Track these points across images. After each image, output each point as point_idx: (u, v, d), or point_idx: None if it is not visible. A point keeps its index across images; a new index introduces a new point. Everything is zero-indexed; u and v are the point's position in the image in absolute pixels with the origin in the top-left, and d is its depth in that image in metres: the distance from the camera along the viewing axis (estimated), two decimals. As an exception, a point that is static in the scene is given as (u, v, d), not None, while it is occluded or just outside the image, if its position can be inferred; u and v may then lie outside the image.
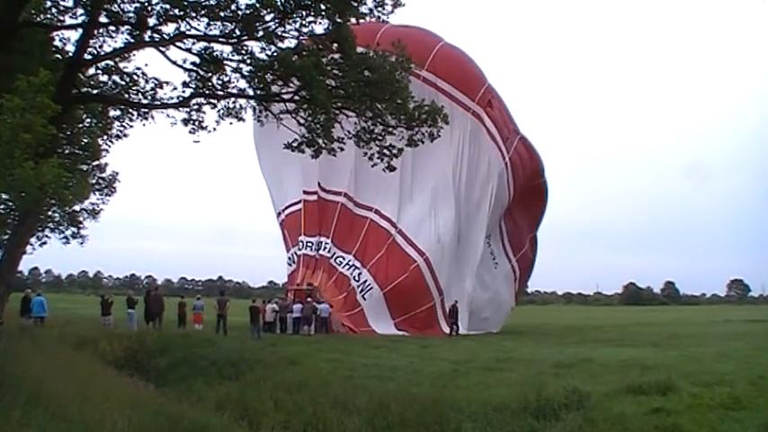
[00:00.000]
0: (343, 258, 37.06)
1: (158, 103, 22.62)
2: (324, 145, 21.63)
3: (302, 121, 21.41)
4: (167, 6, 19.64)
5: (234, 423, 11.89)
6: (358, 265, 36.48)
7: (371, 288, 35.38)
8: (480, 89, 37.39)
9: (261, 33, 20.03)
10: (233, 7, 19.47)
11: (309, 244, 38.77)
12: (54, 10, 21.34)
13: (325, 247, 37.78)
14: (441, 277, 35.39)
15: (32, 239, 27.70)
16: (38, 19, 20.86)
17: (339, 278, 36.36)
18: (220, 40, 20.63)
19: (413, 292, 34.97)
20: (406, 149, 21.97)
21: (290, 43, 20.32)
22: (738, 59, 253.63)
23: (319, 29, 19.92)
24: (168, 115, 22.56)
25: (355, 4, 19.33)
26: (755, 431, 10.62)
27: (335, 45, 19.81)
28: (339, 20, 19.23)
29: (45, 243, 32.34)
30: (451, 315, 33.98)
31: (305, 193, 40.16)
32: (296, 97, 20.94)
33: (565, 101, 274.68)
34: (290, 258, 40.40)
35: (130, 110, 24.48)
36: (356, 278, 36.10)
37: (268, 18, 19.73)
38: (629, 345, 26.89)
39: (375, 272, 35.83)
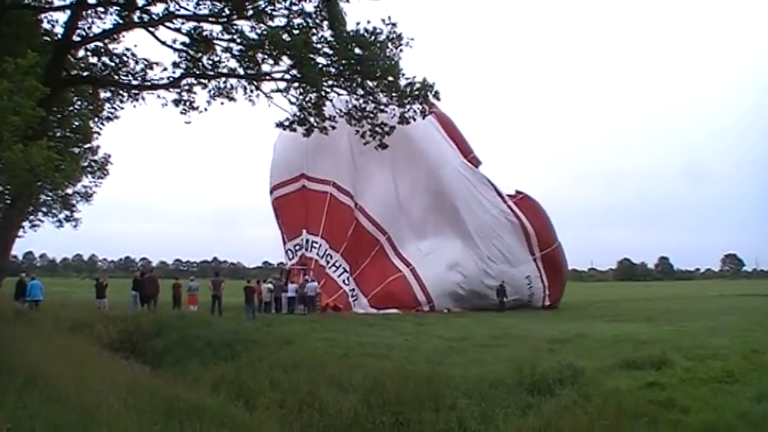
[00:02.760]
0: (331, 257, 36.85)
1: (149, 83, 22.56)
2: (315, 123, 21.58)
3: (293, 99, 21.34)
4: (156, -14, 19.55)
5: (229, 403, 11.88)
6: (347, 268, 36.54)
7: (358, 297, 35.69)
8: (470, 153, 38.83)
9: (250, 12, 19.91)
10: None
11: (298, 246, 38.31)
12: (42, -9, 21.19)
13: (314, 246, 37.29)
14: (430, 287, 35.20)
15: (24, 223, 27.62)
16: (25, 1, 20.66)
17: (328, 282, 36.00)
18: (210, 19, 20.52)
19: (398, 298, 34.93)
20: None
21: (279, 22, 20.20)
22: (735, 38, 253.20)
23: (309, 7, 19.81)
24: (159, 96, 22.54)
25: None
26: (749, 404, 10.67)
27: (326, 23, 19.70)
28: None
29: (37, 226, 32.28)
30: (499, 294, 34.79)
31: (277, 186, 40.10)
32: (286, 76, 20.88)
33: (561, 79, 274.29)
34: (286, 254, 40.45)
35: (121, 91, 24.41)
36: (345, 282, 36.14)
37: (258, -4, 19.63)
38: (624, 320, 27.02)
39: (361, 281, 36.08)
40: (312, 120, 21.57)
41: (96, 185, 32.50)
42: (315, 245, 37.26)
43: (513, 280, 35.92)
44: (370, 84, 20.70)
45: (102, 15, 21.56)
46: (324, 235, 37.19)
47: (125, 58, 22.81)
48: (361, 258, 36.59)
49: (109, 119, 26.66)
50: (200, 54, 21.42)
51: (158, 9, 20.56)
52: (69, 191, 31.05)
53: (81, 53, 23.20)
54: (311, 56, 19.81)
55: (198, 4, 20.20)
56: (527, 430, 10.48)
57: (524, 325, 24.71)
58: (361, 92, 21.01)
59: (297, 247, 38.43)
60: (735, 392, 11.43)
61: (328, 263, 36.71)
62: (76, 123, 26.91)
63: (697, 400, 11.10)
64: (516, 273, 36.28)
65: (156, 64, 22.53)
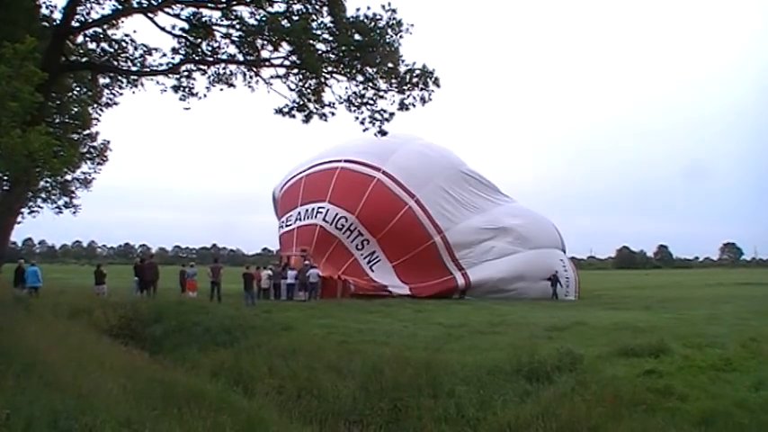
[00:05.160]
0: (347, 220, 35.16)
1: (148, 69, 22.49)
2: (315, 110, 21.51)
3: (293, 86, 21.28)
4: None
5: (228, 389, 11.92)
6: (363, 231, 35.18)
7: (379, 260, 34.84)
8: None
9: (250, -2, 19.82)
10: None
11: (299, 215, 36.50)
12: (40, -24, 21.06)
13: (319, 212, 35.47)
14: (459, 254, 35.11)
15: (23, 209, 27.61)
16: (23, -15, 20.54)
17: (336, 251, 34.86)
18: (209, 5, 20.42)
19: (426, 265, 34.42)
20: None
21: (279, 7, 20.10)
22: (730, 23, 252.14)
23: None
24: (158, 82, 22.45)
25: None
26: (746, 392, 10.69)
27: (325, 9, 19.61)
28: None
29: (36, 213, 32.24)
30: (552, 283, 35.20)
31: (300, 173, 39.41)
32: (286, 62, 20.80)
33: (561, 66, 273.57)
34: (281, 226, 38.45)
35: (120, 77, 24.33)
36: (359, 246, 35.09)
37: (257, -18, 19.52)
38: (622, 308, 27.07)
39: (385, 245, 35.02)
40: (311, 106, 21.51)
41: (95, 172, 32.50)
42: (321, 210, 35.53)
43: (550, 261, 36.46)
44: (369, 70, 20.61)
45: (101, 1, 21.45)
46: (332, 200, 35.65)
47: (124, 44, 22.72)
48: (385, 220, 35.09)
49: (108, 105, 26.63)
50: (199, 40, 21.32)
51: (158, -6, 20.49)
52: (68, 177, 31.01)
53: (80, 39, 23.10)
54: (311, 42, 19.73)
55: (197, -11, 20.15)
56: (525, 417, 10.51)
57: (522, 312, 24.71)
58: (360, 78, 20.92)
59: (288, 220, 36.91)
60: (733, 380, 11.45)
61: (340, 228, 35.18)
62: (75, 109, 26.87)
63: (695, 387, 11.10)
64: (552, 254, 37.01)
65: (156, 50, 22.45)
